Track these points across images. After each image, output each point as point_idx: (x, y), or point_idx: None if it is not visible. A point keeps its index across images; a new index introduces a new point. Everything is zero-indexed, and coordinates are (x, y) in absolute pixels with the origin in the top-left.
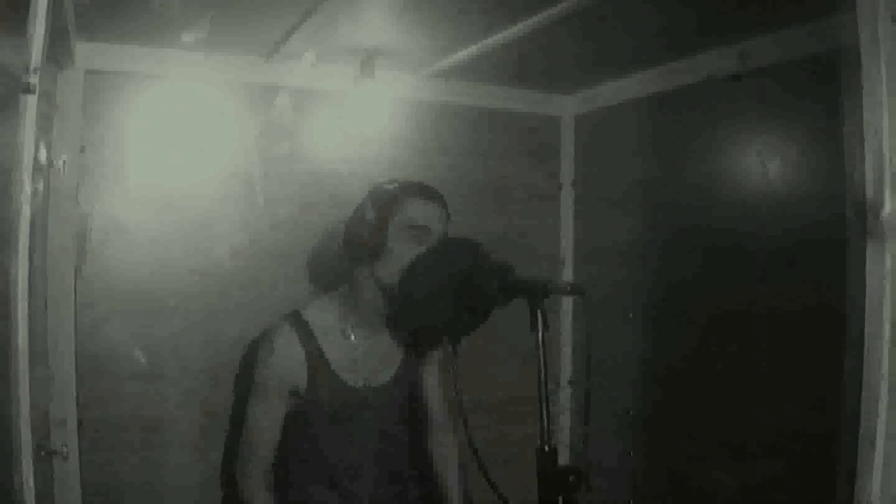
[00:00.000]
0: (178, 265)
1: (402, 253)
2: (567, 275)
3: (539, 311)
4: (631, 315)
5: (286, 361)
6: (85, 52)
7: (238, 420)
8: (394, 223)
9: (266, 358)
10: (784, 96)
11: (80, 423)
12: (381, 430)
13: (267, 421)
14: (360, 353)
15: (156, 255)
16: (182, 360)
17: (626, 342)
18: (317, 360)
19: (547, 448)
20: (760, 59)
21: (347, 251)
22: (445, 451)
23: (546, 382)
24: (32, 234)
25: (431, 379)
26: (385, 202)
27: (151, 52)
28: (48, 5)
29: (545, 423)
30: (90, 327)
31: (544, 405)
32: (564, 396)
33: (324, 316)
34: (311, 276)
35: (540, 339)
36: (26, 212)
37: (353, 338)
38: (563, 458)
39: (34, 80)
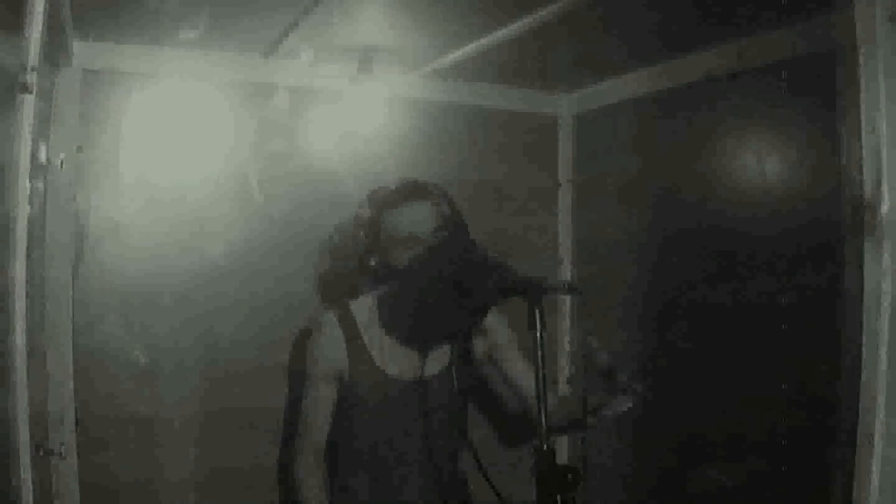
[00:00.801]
0: (174, 263)
1: (403, 264)
2: (565, 273)
3: (537, 309)
4: (627, 312)
5: (329, 347)
6: (82, 52)
7: (293, 411)
8: (385, 242)
9: (312, 345)
10: (781, 95)
11: (77, 422)
12: (426, 422)
13: (317, 407)
14: (402, 346)
15: (153, 253)
16: (179, 357)
17: (624, 340)
18: (358, 349)
19: (545, 447)
20: (758, 58)
21: (367, 278)
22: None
23: (544, 381)
24: (31, 232)
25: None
26: (366, 227)
27: (149, 51)
28: (45, 5)
29: (543, 423)
30: (87, 325)
31: (542, 404)
32: (562, 395)
33: (365, 310)
34: (320, 286)
35: (538, 337)
36: (25, 210)
37: (391, 333)
38: (561, 457)
39: (32, 79)
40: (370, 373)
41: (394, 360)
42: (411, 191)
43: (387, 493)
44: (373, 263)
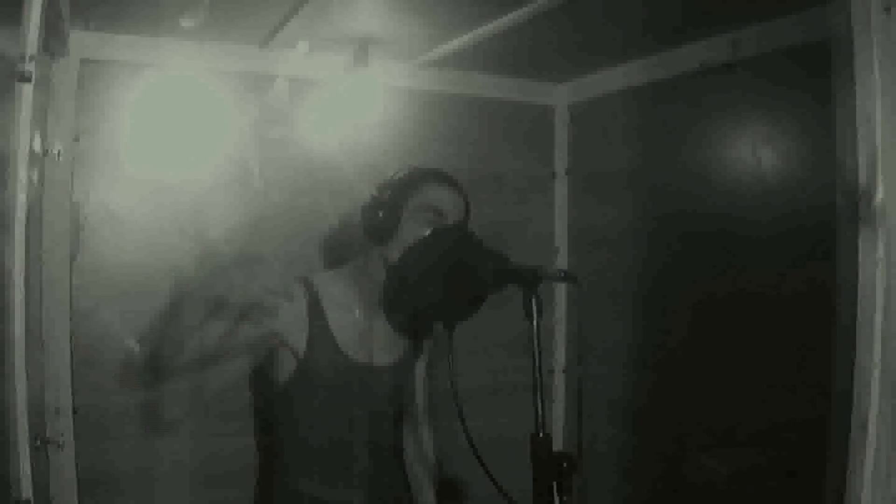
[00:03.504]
0: (172, 253)
1: (414, 235)
2: (561, 263)
3: (533, 298)
4: (623, 301)
5: (288, 317)
6: (79, 41)
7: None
8: (410, 205)
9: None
10: (776, 85)
11: (75, 412)
12: (378, 412)
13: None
14: (365, 330)
15: (150, 243)
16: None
17: (620, 329)
18: (319, 326)
19: (541, 435)
20: (753, 49)
21: (363, 229)
22: (421, 448)
23: (540, 369)
24: (28, 222)
25: (420, 371)
26: (403, 184)
27: (146, 40)
28: None
29: (539, 410)
30: (85, 315)
31: (538, 392)
32: (558, 383)
33: (332, 287)
34: (323, 257)
35: (534, 326)
36: (22, 201)
37: (358, 314)
38: (557, 445)
39: (30, 68)
40: (330, 354)
41: (357, 341)
42: (450, 178)
43: (335, 484)
44: (382, 216)
